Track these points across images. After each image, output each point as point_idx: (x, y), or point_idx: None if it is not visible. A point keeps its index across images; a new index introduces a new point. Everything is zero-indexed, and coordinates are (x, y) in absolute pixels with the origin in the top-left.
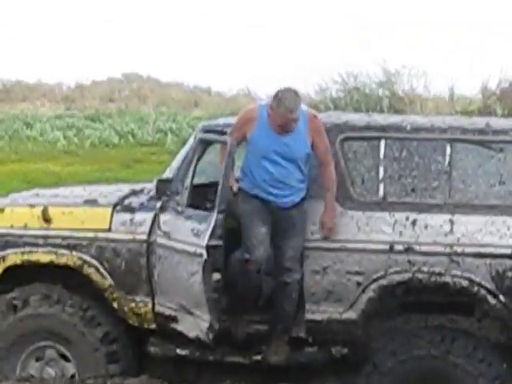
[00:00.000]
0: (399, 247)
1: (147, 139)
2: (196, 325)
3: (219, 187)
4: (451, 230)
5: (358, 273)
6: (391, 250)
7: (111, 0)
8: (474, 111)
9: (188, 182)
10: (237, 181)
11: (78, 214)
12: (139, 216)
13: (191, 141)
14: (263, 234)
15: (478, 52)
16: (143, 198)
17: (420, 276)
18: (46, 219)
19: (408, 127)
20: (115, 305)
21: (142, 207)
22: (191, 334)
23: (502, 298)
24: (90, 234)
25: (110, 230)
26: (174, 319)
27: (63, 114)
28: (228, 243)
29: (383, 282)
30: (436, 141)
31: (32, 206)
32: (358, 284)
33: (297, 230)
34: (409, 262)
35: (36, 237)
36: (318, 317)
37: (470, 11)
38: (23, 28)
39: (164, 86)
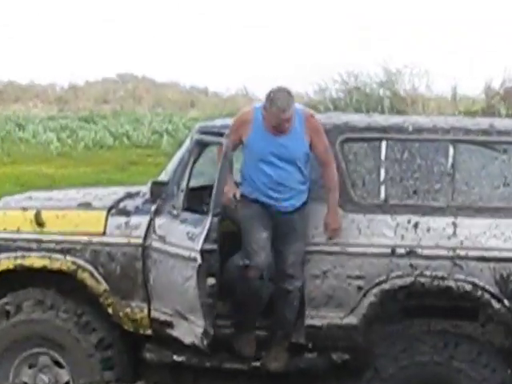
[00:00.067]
0: (401, 251)
1: (142, 141)
2: (191, 331)
3: (214, 190)
4: (454, 233)
5: (359, 277)
6: (393, 253)
7: (107, 0)
8: (477, 111)
9: (184, 184)
10: (236, 185)
11: (72, 217)
12: (134, 219)
13: (187, 142)
14: (264, 239)
15: (478, 52)
16: (138, 201)
17: (422, 280)
18: (39, 223)
19: (410, 128)
20: (110, 310)
21: (138, 210)
22: (187, 340)
23: (506, 302)
24: (85, 238)
25: (104, 233)
26: (170, 325)
27: (56, 116)
28: (223, 247)
29: (385, 286)
30: (438, 142)
31: (25, 209)
32: (359, 288)
33: (298, 235)
34: (411, 265)
35: (29, 241)
36: (317, 322)
37: (470, 11)
38: (15, 28)
39: (159, 86)
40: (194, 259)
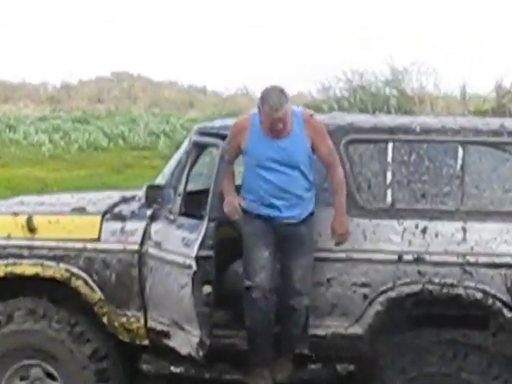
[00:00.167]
0: (408, 257)
1: (138, 142)
2: (187, 341)
3: (210, 193)
4: (464, 239)
5: (364, 284)
6: (400, 260)
7: None
8: (487, 111)
9: (181, 188)
10: (238, 192)
11: (65, 222)
12: (130, 225)
13: (186, 144)
14: (265, 258)
15: (478, 52)
16: (134, 206)
17: (431, 288)
18: (31, 229)
19: (417, 129)
20: (105, 320)
21: (134, 215)
22: (183, 351)
23: None
24: (78, 245)
25: (99, 239)
26: (167, 335)
27: (48, 116)
28: (222, 254)
29: (391, 294)
30: (447, 143)
31: (16, 214)
32: (365, 296)
33: (306, 248)
34: (419, 272)
35: (20, 247)
36: (321, 332)
37: (470, 11)
38: (5, 26)
39: (156, 85)
40: (190, 266)
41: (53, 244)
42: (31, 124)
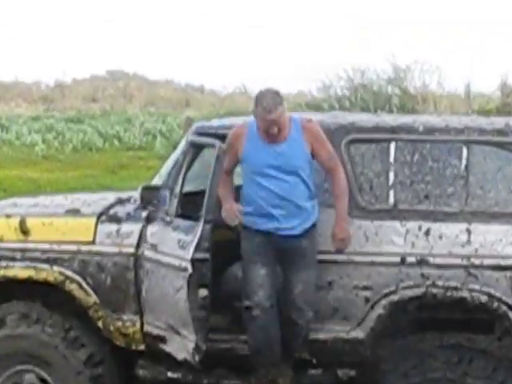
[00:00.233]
0: (411, 259)
1: (134, 142)
2: (183, 346)
3: (206, 195)
4: (468, 241)
5: (366, 288)
6: (403, 262)
7: None
8: (492, 110)
9: (178, 189)
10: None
11: (59, 225)
12: (126, 227)
13: (182, 144)
14: (262, 276)
15: (479, 52)
16: (130, 208)
17: (434, 291)
18: (24, 231)
19: (420, 128)
20: (100, 324)
21: (129, 217)
22: (179, 356)
23: None
24: (73, 247)
25: (94, 242)
26: (163, 340)
27: (42, 116)
28: (219, 256)
29: (394, 297)
30: (451, 143)
31: (8, 216)
32: (367, 300)
33: (308, 262)
34: (422, 275)
35: (13, 250)
36: (322, 336)
37: (471, 11)
38: None
39: (152, 83)
40: (185, 269)
41: (46, 246)
42: (24, 124)
